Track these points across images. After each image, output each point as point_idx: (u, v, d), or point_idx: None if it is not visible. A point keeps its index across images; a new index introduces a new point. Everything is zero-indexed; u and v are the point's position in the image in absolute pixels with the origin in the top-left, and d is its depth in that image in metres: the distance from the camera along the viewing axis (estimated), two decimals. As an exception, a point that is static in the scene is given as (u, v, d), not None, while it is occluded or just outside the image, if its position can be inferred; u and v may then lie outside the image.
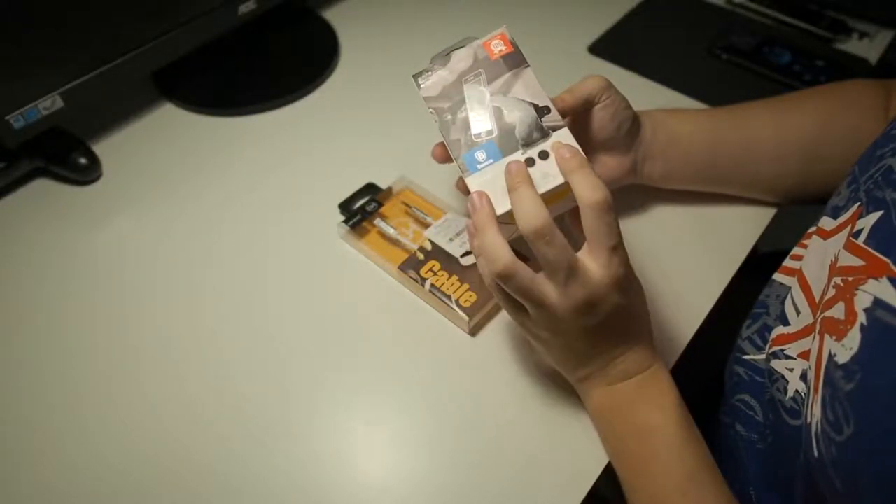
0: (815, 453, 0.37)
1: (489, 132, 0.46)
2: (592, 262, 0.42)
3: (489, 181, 0.45)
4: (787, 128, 0.59)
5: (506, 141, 0.46)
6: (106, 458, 0.48)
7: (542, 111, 0.47)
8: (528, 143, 0.46)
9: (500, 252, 0.41)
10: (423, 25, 0.85)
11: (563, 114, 0.50)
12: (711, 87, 0.76)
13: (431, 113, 0.48)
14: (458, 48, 0.49)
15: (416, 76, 0.49)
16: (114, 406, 0.51)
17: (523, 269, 0.42)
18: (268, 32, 0.82)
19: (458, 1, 0.88)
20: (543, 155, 0.45)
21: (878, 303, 0.36)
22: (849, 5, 0.86)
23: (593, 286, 0.42)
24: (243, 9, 0.72)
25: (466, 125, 0.47)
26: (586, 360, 0.46)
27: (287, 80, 0.76)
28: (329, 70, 0.78)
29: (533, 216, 0.40)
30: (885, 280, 0.36)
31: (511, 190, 0.43)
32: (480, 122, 0.47)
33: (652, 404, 0.46)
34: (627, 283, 0.43)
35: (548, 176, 0.44)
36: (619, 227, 0.42)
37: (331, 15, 0.86)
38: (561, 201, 0.46)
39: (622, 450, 0.47)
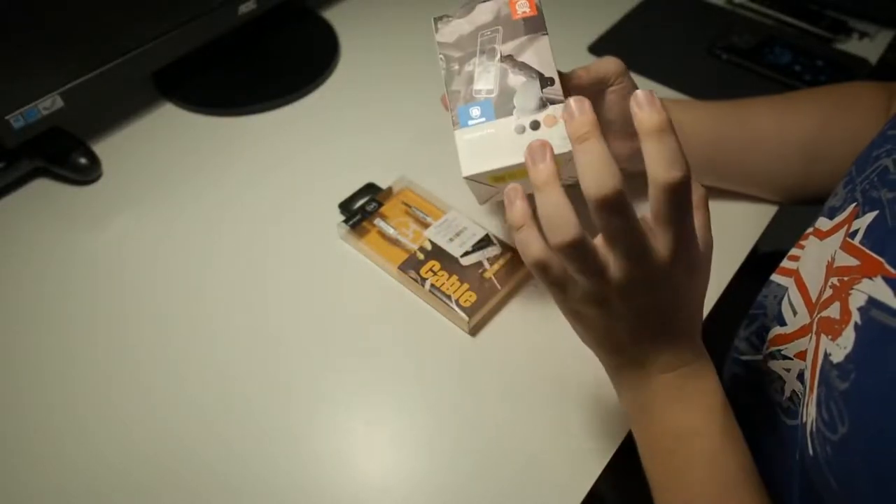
0: (811, 452, 0.38)
1: (489, 91, 0.46)
2: (656, 240, 0.37)
3: (477, 139, 0.45)
4: (789, 126, 0.59)
5: (502, 103, 0.45)
6: (106, 458, 0.48)
7: (545, 81, 0.46)
8: (523, 110, 0.45)
9: (567, 218, 0.35)
10: (424, 25, 0.84)
11: (577, 91, 0.50)
12: (711, 87, 0.75)
13: (441, 59, 0.48)
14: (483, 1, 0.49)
15: (436, 19, 0.49)
16: (113, 406, 0.51)
17: (588, 238, 0.36)
18: (268, 32, 0.82)
19: (458, 1, 0.88)
20: (535, 125, 0.44)
21: (871, 301, 0.36)
22: (849, 5, 0.86)
23: (652, 265, 0.37)
24: (243, 9, 0.72)
25: (470, 79, 0.47)
26: (629, 343, 0.41)
27: (287, 80, 0.76)
28: (329, 70, 0.78)
29: (603, 180, 0.34)
30: (879, 279, 0.36)
31: (578, 140, 0.35)
32: (484, 78, 0.46)
33: (692, 404, 0.41)
34: (689, 268, 0.38)
35: None
36: (690, 207, 0.36)
37: (331, 15, 0.86)
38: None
39: (656, 449, 0.43)
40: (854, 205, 0.44)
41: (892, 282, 0.35)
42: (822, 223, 0.49)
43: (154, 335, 0.55)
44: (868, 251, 0.39)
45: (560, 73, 0.47)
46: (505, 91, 0.46)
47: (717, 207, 0.63)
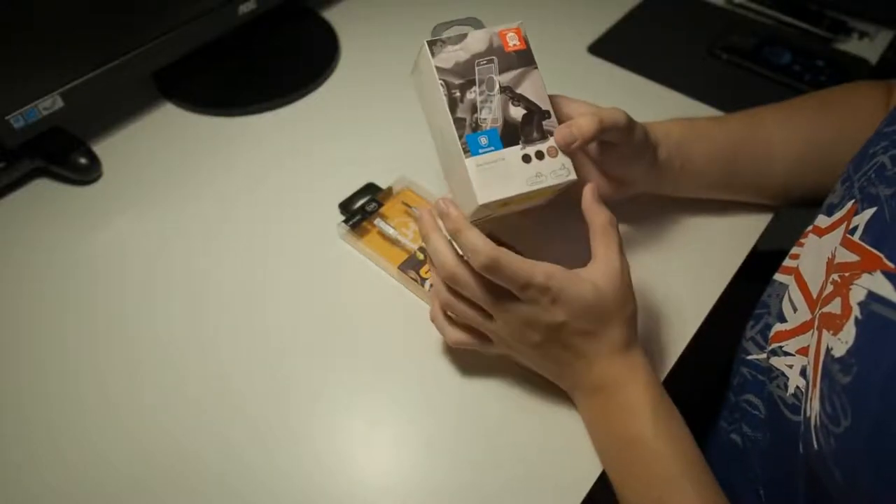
0: (815, 445, 0.38)
1: (494, 120, 0.47)
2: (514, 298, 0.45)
3: (488, 167, 0.46)
4: (801, 134, 0.58)
5: (508, 133, 0.47)
6: (106, 459, 0.48)
7: (543, 114, 0.48)
8: (528, 140, 0.47)
9: (480, 245, 0.42)
10: (424, 26, 0.84)
11: (581, 138, 0.48)
12: (711, 87, 0.76)
13: (441, 85, 0.48)
14: (466, 25, 0.50)
15: (430, 43, 0.48)
16: (113, 406, 0.51)
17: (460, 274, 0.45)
18: (268, 32, 0.82)
19: (458, 1, 0.88)
20: (539, 155, 0.47)
21: (871, 296, 0.36)
22: (849, 5, 0.86)
23: (521, 314, 0.45)
24: (243, 9, 0.72)
25: (473, 107, 0.47)
26: (557, 371, 0.48)
27: (287, 80, 0.76)
28: (329, 70, 0.78)
29: (478, 252, 0.43)
30: (878, 273, 0.37)
31: (425, 238, 0.47)
32: (487, 108, 0.48)
33: (626, 414, 0.46)
34: (555, 301, 0.44)
35: (540, 176, 0.47)
36: (523, 271, 0.43)
37: (331, 15, 0.86)
38: (537, 199, 0.50)
39: (607, 458, 0.48)
40: (852, 202, 0.44)
41: (891, 276, 0.36)
42: (821, 220, 0.49)
43: (154, 335, 0.55)
44: (868, 247, 0.39)
45: (561, 102, 0.49)
46: (508, 121, 0.47)
47: (716, 209, 0.63)
